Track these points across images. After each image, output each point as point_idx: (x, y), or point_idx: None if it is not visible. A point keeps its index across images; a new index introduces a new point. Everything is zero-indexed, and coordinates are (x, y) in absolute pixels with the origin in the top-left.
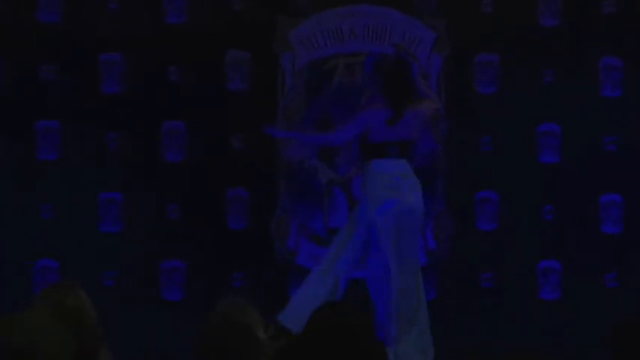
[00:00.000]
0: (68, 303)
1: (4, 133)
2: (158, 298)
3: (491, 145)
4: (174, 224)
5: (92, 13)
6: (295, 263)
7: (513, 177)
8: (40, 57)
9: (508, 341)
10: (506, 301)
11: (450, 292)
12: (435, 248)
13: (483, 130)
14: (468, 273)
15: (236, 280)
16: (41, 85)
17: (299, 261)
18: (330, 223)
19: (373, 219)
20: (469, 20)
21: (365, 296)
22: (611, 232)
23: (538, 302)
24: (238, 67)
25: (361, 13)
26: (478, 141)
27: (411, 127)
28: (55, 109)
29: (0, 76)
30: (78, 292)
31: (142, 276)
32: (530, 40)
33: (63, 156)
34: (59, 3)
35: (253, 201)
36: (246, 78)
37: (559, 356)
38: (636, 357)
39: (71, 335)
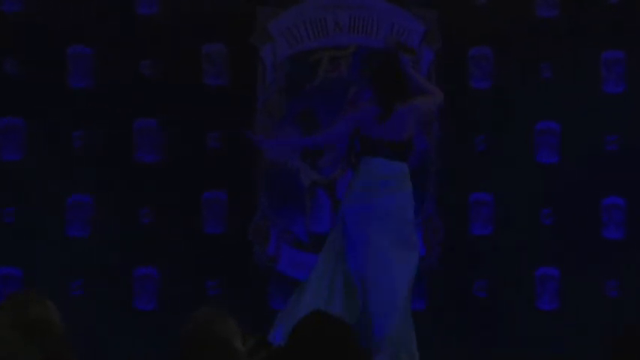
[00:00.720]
0: (32, 314)
1: None
2: (130, 308)
3: (485, 145)
4: (147, 229)
5: (59, 3)
6: (276, 270)
7: (509, 178)
8: (3, 49)
9: (503, 354)
10: (502, 312)
11: (441, 301)
12: (425, 254)
13: (477, 128)
14: (460, 281)
15: (213, 288)
16: (4, 80)
17: (280, 268)
18: (312, 227)
19: (342, 213)
20: (462, 11)
21: None
22: (613, 238)
23: (535, 312)
24: (215, 60)
25: (346, 4)
26: (472, 140)
27: (403, 125)
28: (19, 105)
29: None
30: (43, 303)
31: (113, 284)
32: (526, 32)
33: (27, 156)
34: None
35: (231, 204)
36: (223, 72)
37: None
38: None
39: (36, 349)
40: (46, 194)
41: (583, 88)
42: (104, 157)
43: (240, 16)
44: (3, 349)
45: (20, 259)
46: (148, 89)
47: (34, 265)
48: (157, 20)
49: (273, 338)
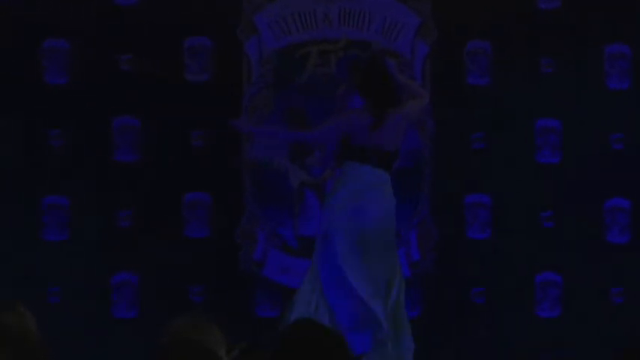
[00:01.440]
0: (6, 322)
1: None
2: (109, 316)
3: (483, 143)
4: (127, 232)
5: None
6: (262, 275)
7: (508, 179)
8: None
9: None
10: (500, 319)
11: (436, 308)
12: (419, 259)
13: (475, 126)
14: (456, 287)
15: (196, 294)
16: None
17: (266, 273)
18: (301, 230)
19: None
20: (458, 3)
21: None
22: (617, 241)
23: (536, 320)
24: (198, 55)
25: None
26: (469, 138)
27: (394, 133)
28: None
29: None
30: (18, 310)
31: (91, 291)
32: (526, 25)
33: (0, 156)
34: None
35: (216, 206)
36: (207, 67)
37: None
38: None
39: (10, 358)
40: (21, 196)
41: (586, 84)
42: (81, 156)
43: (225, 7)
44: None
45: None
46: (127, 85)
47: (9, 271)
48: (137, 12)
49: None
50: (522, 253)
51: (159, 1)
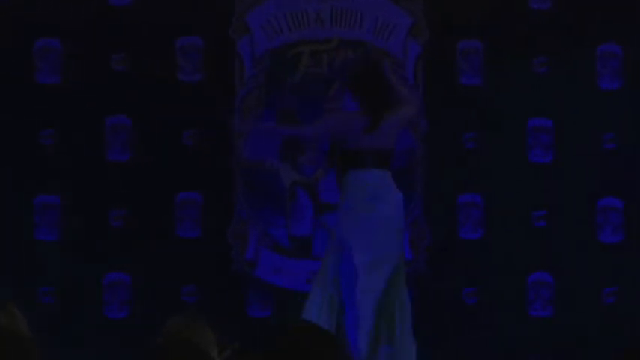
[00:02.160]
0: None
1: None
2: (100, 316)
3: (475, 143)
4: (119, 232)
5: None
6: (254, 275)
7: (500, 178)
8: None
9: None
10: (492, 319)
11: (428, 308)
12: (412, 259)
13: (467, 126)
14: (448, 287)
15: (188, 294)
16: None
17: (258, 273)
18: (293, 230)
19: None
20: (450, 3)
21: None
22: (610, 241)
23: (528, 319)
24: (191, 55)
25: None
26: (461, 138)
27: (389, 134)
28: None
29: None
30: (10, 310)
31: (83, 291)
32: (518, 25)
33: None
34: None
35: (208, 206)
36: (199, 67)
37: None
38: None
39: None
40: (13, 196)
41: (577, 84)
42: (74, 156)
43: (217, 7)
44: None
45: None
46: (119, 85)
47: (1, 270)
48: (130, 12)
49: None
50: (514, 252)
51: (152, 1)
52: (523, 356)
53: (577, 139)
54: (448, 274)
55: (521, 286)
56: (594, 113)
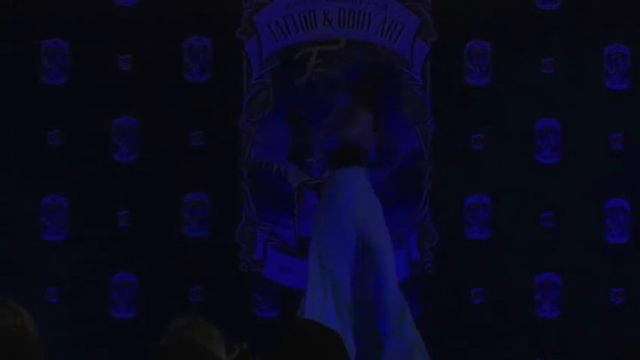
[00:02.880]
0: (4, 323)
1: None
2: (108, 316)
3: (483, 144)
4: (126, 233)
5: None
6: (262, 276)
7: (508, 179)
8: None
9: None
10: (500, 320)
11: (436, 309)
12: (419, 260)
13: (475, 126)
14: (455, 288)
15: (195, 295)
16: None
17: (266, 274)
18: (301, 231)
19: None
20: (458, 3)
21: None
22: (618, 242)
23: (535, 321)
24: (198, 55)
25: None
26: (469, 139)
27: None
28: None
29: None
30: (16, 310)
31: (90, 291)
32: (526, 25)
33: (1, 156)
34: None
35: (215, 206)
36: (207, 68)
37: None
38: None
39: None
40: (21, 196)
41: (585, 84)
42: (81, 157)
43: (225, 8)
44: None
45: None
46: (127, 86)
47: (8, 270)
48: (137, 12)
49: None
50: (522, 253)
51: (159, 2)
52: (531, 358)
53: (585, 140)
54: (456, 274)
55: (529, 287)
56: (602, 114)
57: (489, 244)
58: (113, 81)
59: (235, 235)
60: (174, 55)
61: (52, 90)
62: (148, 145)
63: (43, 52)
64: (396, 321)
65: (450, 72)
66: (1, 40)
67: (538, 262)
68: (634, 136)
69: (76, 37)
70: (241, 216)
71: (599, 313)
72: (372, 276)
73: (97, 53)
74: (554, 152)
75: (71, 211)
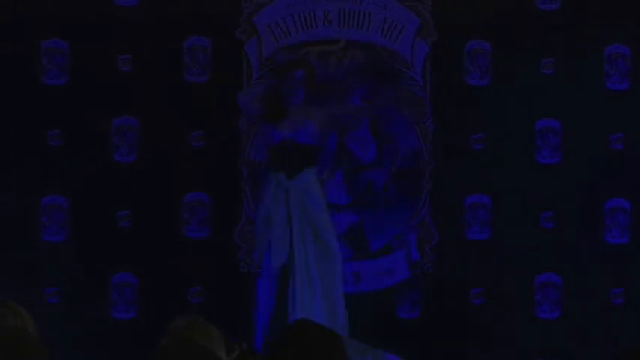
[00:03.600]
0: (4, 323)
1: None
2: (108, 316)
3: (483, 144)
4: (126, 233)
5: None
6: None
7: (508, 179)
8: None
9: None
10: (500, 320)
11: (436, 309)
12: (419, 259)
13: (475, 126)
14: (455, 288)
15: (195, 295)
16: None
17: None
18: None
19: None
20: (458, 3)
21: None
22: (617, 242)
23: (535, 321)
24: (198, 55)
25: None
26: (469, 139)
27: None
28: None
29: None
30: (16, 310)
31: (90, 291)
32: (526, 25)
33: (1, 156)
34: None
35: (215, 206)
36: (207, 68)
37: None
38: None
39: (6, 358)
40: (21, 196)
41: (585, 84)
42: (81, 157)
43: (225, 8)
44: None
45: None
46: (127, 86)
47: (8, 270)
48: (137, 12)
49: None
50: (522, 253)
51: (159, 2)
52: (530, 357)
53: (585, 140)
54: (455, 274)
55: (528, 287)
56: (602, 114)
57: (489, 244)
58: (113, 81)
59: (235, 235)
60: (174, 55)
61: (52, 90)
62: (148, 145)
63: (43, 52)
64: None
65: (450, 72)
66: (1, 40)
67: (538, 262)
68: (634, 136)
69: (76, 37)
70: (241, 216)
71: (599, 313)
72: None
73: (97, 53)
74: (554, 152)
75: (71, 211)
